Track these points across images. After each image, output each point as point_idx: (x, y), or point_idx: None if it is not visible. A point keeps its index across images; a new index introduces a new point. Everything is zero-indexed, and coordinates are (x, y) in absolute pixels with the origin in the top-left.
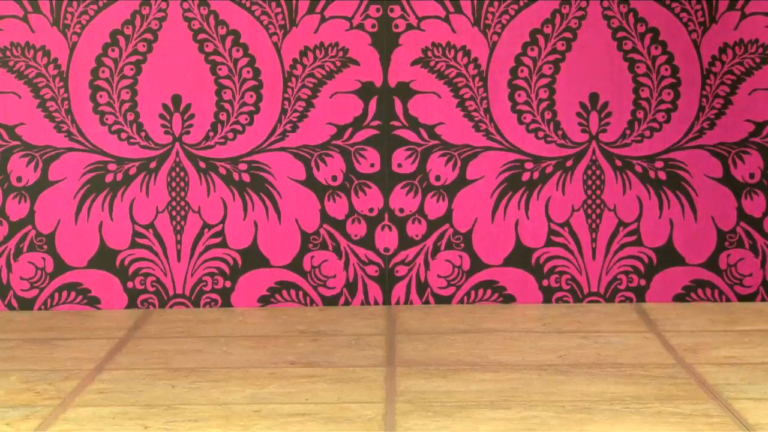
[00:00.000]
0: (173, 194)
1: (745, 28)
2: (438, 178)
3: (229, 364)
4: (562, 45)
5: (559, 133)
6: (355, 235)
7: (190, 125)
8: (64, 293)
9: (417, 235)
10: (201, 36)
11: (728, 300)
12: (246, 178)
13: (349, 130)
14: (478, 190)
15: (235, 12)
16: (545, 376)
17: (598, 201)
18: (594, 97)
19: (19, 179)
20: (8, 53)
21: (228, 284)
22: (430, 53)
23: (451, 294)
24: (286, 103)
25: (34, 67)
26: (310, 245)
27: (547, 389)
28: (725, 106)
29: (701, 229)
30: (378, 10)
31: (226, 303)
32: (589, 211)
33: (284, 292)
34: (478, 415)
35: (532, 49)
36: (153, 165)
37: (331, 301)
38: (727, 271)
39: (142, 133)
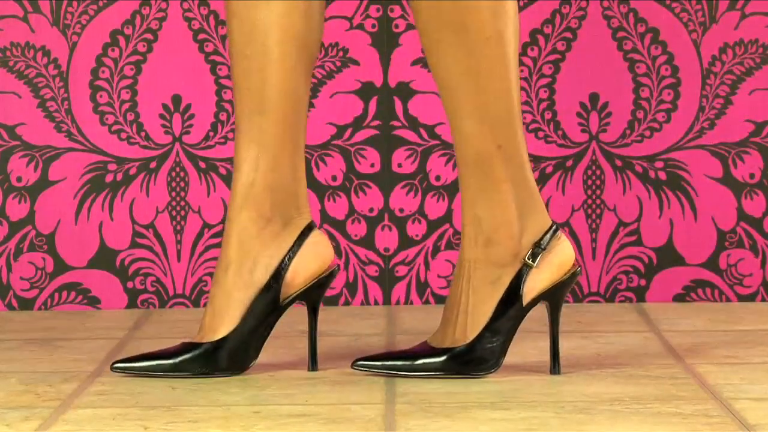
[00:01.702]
0: (173, 194)
1: (745, 28)
2: (438, 178)
3: None
4: (562, 45)
5: (560, 133)
6: (355, 235)
7: (190, 125)
8: (64, 293)
9: (417, 235)
10: (201, 36)
11: (728, 300)
12: None
13: (349, 130)
14: None
15: None
16: (545, 377)
17: (598, 201)
18: (594, 97)
19: (19, 179)
20: (8, 53)
21: None
22: None
23: None
24: None
25: (34, 67)
26: None
27: (547, 390)
28: (725, 106)
29: (701, 229)
30: (378, 10)
31: None
32: (589, 211)
33: None
34: (479, 416)
35: (533, 49)
36: (153, 165)
37: (331, 301)
38: (727, 271)
39: (142, 133)
